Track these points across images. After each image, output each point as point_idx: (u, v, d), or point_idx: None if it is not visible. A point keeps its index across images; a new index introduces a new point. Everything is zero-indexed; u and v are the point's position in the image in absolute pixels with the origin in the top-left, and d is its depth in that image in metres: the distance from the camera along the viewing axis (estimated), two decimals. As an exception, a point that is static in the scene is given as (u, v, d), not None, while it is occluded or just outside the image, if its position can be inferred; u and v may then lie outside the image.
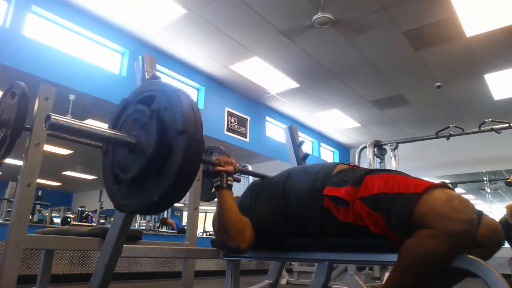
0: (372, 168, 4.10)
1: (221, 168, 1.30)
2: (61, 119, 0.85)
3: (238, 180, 2.42)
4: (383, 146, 4.40)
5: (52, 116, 0.83)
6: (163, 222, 6.92)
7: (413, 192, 0.99)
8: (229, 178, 1.31)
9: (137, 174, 0.94)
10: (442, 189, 0.99)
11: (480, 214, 1.12)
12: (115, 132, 0.97)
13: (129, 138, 0.96)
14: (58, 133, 0.86)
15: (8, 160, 1.79)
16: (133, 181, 0.97)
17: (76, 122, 0.88)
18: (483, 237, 1.09)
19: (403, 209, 0.98)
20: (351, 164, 1.34)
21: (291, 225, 1.29)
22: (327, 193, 1.17)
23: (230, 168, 1.31)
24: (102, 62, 4.48)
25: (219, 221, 1.27)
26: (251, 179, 3.89)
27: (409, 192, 1.00)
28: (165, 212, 7.06)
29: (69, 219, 7.30)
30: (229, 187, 1.30)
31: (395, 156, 4.48)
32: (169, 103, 0.93)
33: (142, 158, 0.93)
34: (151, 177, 0.92)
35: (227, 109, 5.95)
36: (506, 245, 4.53)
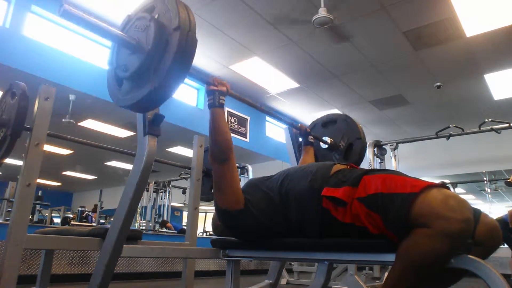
0: (372, 168, 4.10)
1: (214, 88, 1.38)
2: (74, 9, 0.92)
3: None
4: (383, 146, 4.40)
5: (65, 4, 0.90)
6: (163, 224, 6.93)
7: (410, 192, 0.99)
8: (222, 97, 1.38)
9: (137, 69, 1.01)
10: (439, 189, 0.99)
11: (478, 213, 1.12)
12: (120, 32, 1.05)
13: (130, 39, 1.04)
14: (70, 21, 0.94)
15: (8, 160, 1.79)
16: (134, 77, 1.05)
17: (87, 15, 0.96)
18: (481, 236, 1.09)
19: (400, 209, 0.98)
20: (349, 164, 1.34)
21: (291, 225, 1.29)
22: (326, 194, 1.17)
23: (223, 88, 1.40)
24: (102, 62, 4.49)
25: (210, 137, 1.33)
26: (251, 176, 3.89)
27: (406, 192, 1.00)
28: (165, 212, 7.05)
29: (69, 219, 7.31)
30: (221, 105, 1.38)
31: (395, 156, 4.47)
32: (167, 8, 1.01)
33: (142, 55, 1.01)
34: (150, 71, 0.99)
35: (227, 109, 5.95)
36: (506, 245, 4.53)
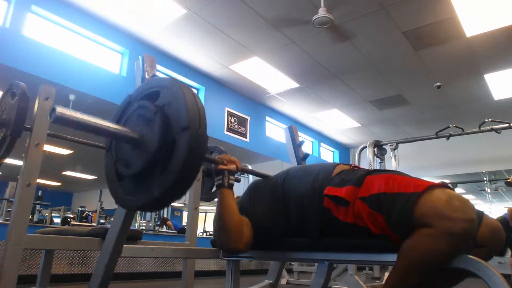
0: (372, 168, 4.10)
1: (223, 167, 1.29)
2: (67, 112, 0.85)
3: (238, 180, 2.43)
4: (383, 146, 4.40)
5: (58, 109, 0.84)
6: (163, 222, 6.94)
7: (413, 192, 0.99)
8: (231, 177, 1.30)
9: (141, 169, 0.94)
10: (442, 189, 0.99)
11: (481, 214, 1.12)
12: (120, 127, 0.97)
13: (133, 134, 0.96)
14: (63, 125, 0.86)
15: (8, 160, 1.79)
16: (136, 177, 0.97)
17: (81, 116, 0.89)
18: (484, 238, 1.09)
19: (403, 209, 0.98)
20: (353, 165, 1.34)
21: (291, 225, 1.29)
22: (328, 193, 1.17)
23: (233, 167, 1.31)
24: (102, 62, 4.49)
25: (219, 221, 1.26)
26: (251, 178, 3.89)
27: (409, 192, 1.00)
28: (165, 212, 7.06)
29: (69, 219, 7.30)
30: (231, 186, 1.30)
31: (395, 156, 4.48)
32: (173, 99, 0.94)
33: (146, 154, 0.93)
34: (154, 173, 0.92)
35: (227, 109, 5.95)
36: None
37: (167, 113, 0.93)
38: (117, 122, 1.05)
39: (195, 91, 5.65)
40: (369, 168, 2.29)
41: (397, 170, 3.57)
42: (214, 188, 2.33)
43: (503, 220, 4.26)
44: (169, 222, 7.13)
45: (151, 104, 0.97)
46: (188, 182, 0.91)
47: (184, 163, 0.86)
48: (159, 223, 6.82)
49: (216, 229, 1.29)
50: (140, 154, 0.95)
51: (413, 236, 0.96)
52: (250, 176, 4.39)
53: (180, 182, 0.89)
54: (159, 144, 0.90)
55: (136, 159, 0.96)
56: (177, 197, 0.92)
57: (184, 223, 8.90)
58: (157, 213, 6.77)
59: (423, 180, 1.05)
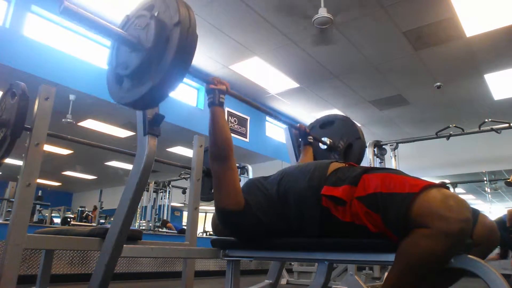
0: (371, 166, 4.09)
1: (214, 86, 1.38)
2: (75, 7, 0.92)
3: (238, 180, 2.43)
4: (383, 146, 4.40)
5: (65, 2, 0.89)
6: (164, 224, 6.94)
7: (409, 192, 0.99)
8: (221, 95, 1.39)
9: (138, 66, 1.01)
10: (438, 188, 0.99)
11: (476, 213, 1.12)
12: (120, 30, 1.05)
13: (130, 37, 1.04)
14: (70, 18, 0.93)
15: (8, 160, 1.79)
16: (134, 75, 1.04)
17: (88, 14, 0.95)
18: (479, 237, 1.09)
19: (399, 209, 0.98)
20: (347, 162, 1.34)
21: (290, 225, 1.29)
22: (325, 193, 1.17)
23: (223, 87, 1.41)
24: (102, 62, 4.49)
25: (210, 137, 1.33)
26: (251, 175, 3.88)
27: (405, 192, 1.00)
28: (165, 212, 7.06)
29: (69, 219, 7.31)
30: (221, 104, 1.39)
31: (395, 156, 4.47)
32: (167, 6, 1.01)
33: (142, 52, 1.01)
34: (150, 69, 0.99)
35: (227, 109, 5.95)
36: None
37: (161, 18, 1.02)
38: None
39: (193, 91, 5.66)
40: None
41: (397, 169, 3.56)
42: (213, 189, 2.33)
43: (501, 221, 4.26)
44: (169, 224, 7.12)
45: (147, 12, 1.06)
46: (181, 73, 0.99)
47: (176, 54, 0.94)
48: (159, 224, 6.82)
49: (210, 147, 1.35)
50: (137, 54, 1.03)
51: (409, 237, 0.96)
52: (250, 175, 4.40)
53: (173, 72, 0.96)
54: (154, 40, 0.98)
55: (133, 58, 1.04)
56: (171, 86, 0.99)
57: (184, 224, 8.90)
58: (157, 213, 6.78)
59: (419, 180, 1.05)
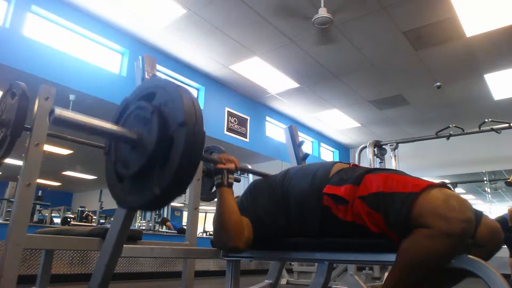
0: (374, 167, 4.09)
1: (222, 166, 1.30)
2: (66, 113, 0.85)
3: (238, 180, 2.42)
4: (383, 146, 4.40)
5: (56, 110, 0.83)
6: (163, 222, 6.95)
7: (411, 192, 0.99)
8: (230, 176, 1.31)
9: (139, 169, 0.94)
10: (440, 188, 0.99)
11: (480, 214, 1.12)
12: (118, 128, 0.98)
13: (131, 134, 0.97)
14: (62, 127, 0.86)
15: (8, 160, 1.79)
16: (136, 177, 0.97)
17: (80, 117, 0.89)
18: (483, 238, 1.09)
19: (401, 209, 0.98)
20: (352, 163, 1.35)
21: (291, 224, 1.29)
22: (327, 191, 1.17)
23: (232, 166, 1.31)
24: (102, 62, 4.49)
25: (218, 220, 1.26)
26: (251, 178, 3.89)
27: (407, 191, 1.00)
28: (165, 212, 7.06)
29: (69, 219, 7.30)
30: (230, 185, 1.30)
31: (395, 156, 4.48)
32: (170, 98, 0.94)
33: (144, 153, 0.93)
34: (154, 172, 0.91)
35: (227, 109, 5.95)
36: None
37: (164, 111, 0.93)
38: (116, 124, 1.05)
39: (193, 91, 5.67)
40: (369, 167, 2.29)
41: (399, 170, 3.57)
42: (214, 188, 2.33)
43: (502, 220, 4.26)
44: (168, 223, 7.12)
45: (148, 104, 0.98)
46: (188, 178, 0.91)
47: (182, 159, 0.86)
48: (159, 222, 6.83)
49: (216, 228, 1.29)
50: (139, 154, 0.95)
51: (410, 236, 0.96)
52: (250, 176, 4.40)
53: (180, 178, 0.88)
54: (157, 141, 0.90)
55: (135, 159, 0.96)
56: (178, 194, 0.92)
57: (184, 223, 8.91)
58: (157, 212, 6.77)
59: (421, 180, 1.05)
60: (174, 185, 0.88)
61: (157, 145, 0.90)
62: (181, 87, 0.95)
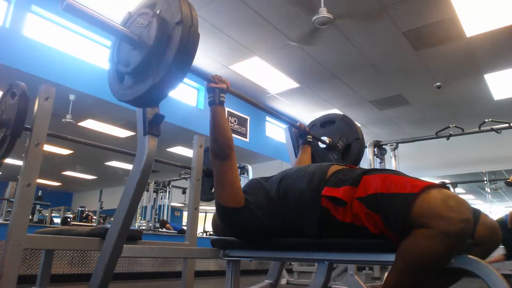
0: (372, 168, 4.09)
1: (214, 85, 1.38)
2: (77, 3, 0.92)
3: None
4: (383, 146, 4.40)
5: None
6: (163, 224, 6.93)
7: (409, 193, 0.99)
8: (222, 94, 1.38)
9: (139, 63, 1.01)
10: (438, 189, 0.99)
11: (477, 213, 1.12)
12: (122, 27, 1.06)
13: (132, 34, 1.05)
14: (73, 15, 0.94)
15: (8, 160, 1.79)
16: (135, 73, 1.05)
17: (90, 10, 0.96)
18: (481, 236, 1.09)
19: (400, 210, 0.98)
20: (348, 164, 1.34)
21: (289, 225, 1.29)
22: (325, 194, 1.17)
23: (223, 85, 1.40)
24: (102, 62, 4.49)
25: (211, 135, 1.33)
26: (251, 177, 3.88)
27: (406, 192, 1.00)
28: (165, 212, 7.06)
29: (69, 219, 7.30)
30: (221, 103, 1.38)
31: (395, 156, 4.47)
32: (169, 4, 1.02)
33: (143, 50, 1.01)
34: (151, 66, 0.99)
35: (227, 109, 5.94)
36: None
37: (163, 16, 1.02)
38: None
39: (193, 91, 5.66)
40: (369, 168, 2.29)
41: (397, 170, 3.57)
42: (214, 189, 2.33)
43: (502, 221, 4.26)
44: (168, 225, 7.12)
45: (149, 10, 1.06)
46: (182, 71, 0.99)
47: (177, 53, 0.94)
48: (159, 225, 6.82)
49: (210, 143, 1.35)
50: (139, 52, 1.03)
51: (410, 237, 0.96)
52: (250, 175, 4.40)
53: (174, 70, 0.96)
54: (155, 38, 0.98)
55: (135, 56, 1.04)
56: (172, 84, 0.99)
57: (184, 224, 8.90)
58: (157, 213, 6.77)
59: (420, 180, 1.05)
60: (169, 76, 0.96)
61: (156, 41, 0.98)
62: None
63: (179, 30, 0.96)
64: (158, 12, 1.03)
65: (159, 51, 0.98)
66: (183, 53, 0.96)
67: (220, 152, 1.32)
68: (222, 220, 1.40)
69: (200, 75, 1.39)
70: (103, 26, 1.01)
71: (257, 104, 1.76)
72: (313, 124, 2.26)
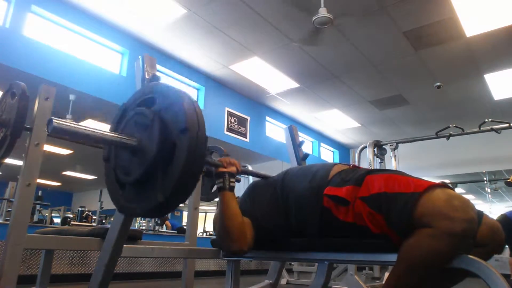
0: (372, 168, 4.09)
1: (224, 170, 1.28)
2: (63, 123, 0.84)
3: (238, 180, 2.42)
4: (383, 146, 4.40)
5: (54, 120, 0.82)
6: (163, 221, 6.96)
7: (413, 192, 0.99)
8: (232, 179, 1.29)
9: (141, 175, 0.92)
10: (442, 188, 0.99)
11: (480, 214, 1.12)
12: (117, 135, 0.96)
13: (131, 141, 0.95)
14: (61, 136, 0.87)
15: (8, 160, 1.79)
16: (138, 184, 0.95)
17: (78, 126, 0.88)
18: (484, 237, 1.09)
19: (404, 209, 0.98)
20: (352, 164, 1.35)
21: (291, 225, 1.29)
22: (328, 193, 1.17)
23: (233, 169, 1.30)
24: (102, 62, 4.49)
25: (221, 224, 1.25)
26: (251, 179, 3.89)
27: (410, 192, 1.00)
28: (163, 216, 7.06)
29: (69, 219, 7.30)
30: (232, 188, 1.29)
31: (395, 156, 4.48)
32: (171, 103, 0.92)
33: (146, 160, 0.91)
34: (156, 179, 0.90)
35: (227, 109, 5.95)
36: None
37: (164, 118, 0.91)
38: (114, 130, 1.03)
39: (193, 91, 5.66)
40: (369, 168, 2.29)
41: (397, 170, 3.57)
42: (214, 188, 2.33)
43: (505, 218, 4.25)
44: (167, 222, 7.12)
45: (148, 110, 0.95)
46: (191, 184, 0.89)
47: (185, 166, 0.84)
48: (159, 222, 6.84)
49: (219, 232, 1.28)
50: (140, 160, 0.93)
51: (413, 236, 0.96)
52: (250, 176, 4.39)
53: (183, 185, 0.87)
54: (159, 148, 0.88)
55: (136, 165, 0.94)
56: (181, 200, 0.90)
57: (184, 223, 8.90)
58: (157, 213, 6.77)
59: (423, 180, 1.05)
60: (177, 191, 0.87)
61: (159, 151, 0.88)
62: (181, 91, 0.94)
63: (185, 139, 0.85)
64: (158, 113, 0.92)
65: (163, 161, 0.88)
66: (192, 165, 0.85)
67: (230, 243, 1.25)
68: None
69: (208, 164, 1.30)
70: (97, 140, 0.92)
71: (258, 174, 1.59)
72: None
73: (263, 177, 1.55)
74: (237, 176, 2.41)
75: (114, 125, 1.05)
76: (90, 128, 0.90)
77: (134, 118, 0.99)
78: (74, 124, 0.88)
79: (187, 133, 0.85)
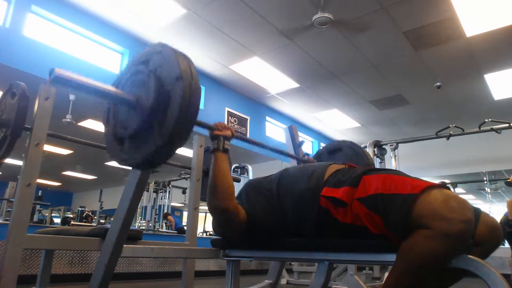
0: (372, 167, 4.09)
1: (219, 133, 1.35)
2: (66, 72, 0.87)
3: (238, 180, 2.43)
4: (383, 146, 4.40)
5: (56, 69, 0.85)
6: (165, 216, 6.98)
7: (410, 193, 0.99)
8: (226, 142, 1.36)
9: (139, 126, 0.96)
10: (439, 189, 0.99)
11: (478, 212, 1.12)
12: (116, 90, 1.00)
13: (128, 96, 0.99)
14: (62, 86, 0.88)
15: (8, 160, 1.79)
16: (136, 136, 0.99)
17: (80, 77, 0.91)
18: (481, 236, 1.09)
19: (400, 210, 0.98)
20: (347, 163, 1.34)
21: (288, 226, 1.29)
22: (325, 194, 1.17)
23: (228, 132, 1.37)
24: (102, 62, 4.49)
25: (210, 181, 1.30)
26: (251, 176, 3.89)
27: (407, 193, 1.00)
28: (166, 210, 7.07)
29: (69, 219, 7.30)
30: (226, 150, 1.35)
31: (395, 156, 4.48)
32: (165, 60, 0.96)
33: (143, 111, 0.95)
34: (153, 128, 0.94)
35: (227, 109, 5.95)
36: (506, 244, 4.52)
37: (159, 73, 0.95)
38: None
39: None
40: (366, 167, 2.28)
41: (397, 169, 3.56)
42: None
43: (505, 219, 4.25)
44: (170, 217, 7.14)
45: (143, 68, 1.00)
46: (187, 130, 0.92)
47: (181, 111, 0.88)
48: (160, 220, 6.87)
49: (208, 191, 1.32)
50: (137, 114, 0.97)
51: (411, 237, 0.96)
52: (250, 176, 4.40)
53: (179, 130, 0.90)
54: (154, 98, 0.92)
55: (134, 118, 0.98)
56: (177, 146, 0.94)
57: (184, 223, 8.90)
58: (157, 213, 6.78)
59: (420, 180, 1.05)
60: (174, 136, 0.90)
61: (155, 101, 0.92)
62: (176, 50, 0.97)
63: (179, 87, 0.89)
64: (153, 70, 0.97)
65: (159, 111, 0.92)
66: (187, 112, 0.89)
67: (219, 202, 1.28)
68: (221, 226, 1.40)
69: (203, 126, 1.34)
70: (96, 92, 0.95)
71: (254, 142, 1.73)
72: (321, 153, 2.25)
73: (259, 145, 1.66)
74: (238, 176, 2.41)
75: (113, 85, 1.08)
76: (92, 81, 0.93)
77: (131, 78, 1.04)
78: (77, 75, 0.90)
79: (181, 81, 0.89)
